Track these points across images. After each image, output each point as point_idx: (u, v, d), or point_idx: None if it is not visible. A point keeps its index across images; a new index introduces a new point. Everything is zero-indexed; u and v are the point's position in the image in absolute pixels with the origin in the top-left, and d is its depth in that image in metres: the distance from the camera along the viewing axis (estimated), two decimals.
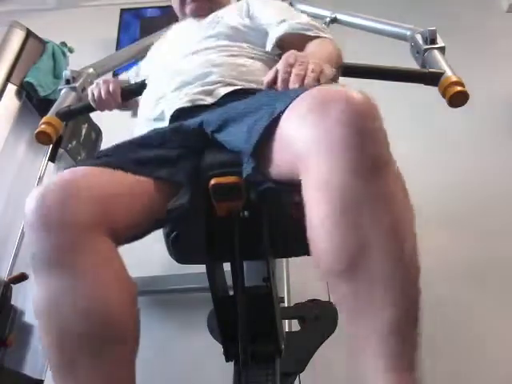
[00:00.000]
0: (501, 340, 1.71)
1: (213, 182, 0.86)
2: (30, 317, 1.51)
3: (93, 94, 1.22)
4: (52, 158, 1.75)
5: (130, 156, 0.88)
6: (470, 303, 1.75)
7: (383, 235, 0.60)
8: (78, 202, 0.72)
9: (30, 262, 0.72)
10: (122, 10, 2.87)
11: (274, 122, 0.73)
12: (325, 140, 0.62)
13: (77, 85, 1.38)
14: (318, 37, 1.10)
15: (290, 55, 0.79)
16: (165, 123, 1.00)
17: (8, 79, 1.58)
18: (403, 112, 2.25)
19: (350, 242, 0.60)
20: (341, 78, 1.19)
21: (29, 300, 1.52)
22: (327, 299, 1.37)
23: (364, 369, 0.60)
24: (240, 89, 1.00)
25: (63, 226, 0.70)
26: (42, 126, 1.22)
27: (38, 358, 1.52)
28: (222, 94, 0.99)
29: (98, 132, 2.01)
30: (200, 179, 0.90)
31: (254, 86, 1.01)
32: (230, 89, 1.00)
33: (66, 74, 1.40)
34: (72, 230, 0.70)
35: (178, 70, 1.08)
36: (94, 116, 1.95)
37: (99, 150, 0.98)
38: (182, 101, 1.00)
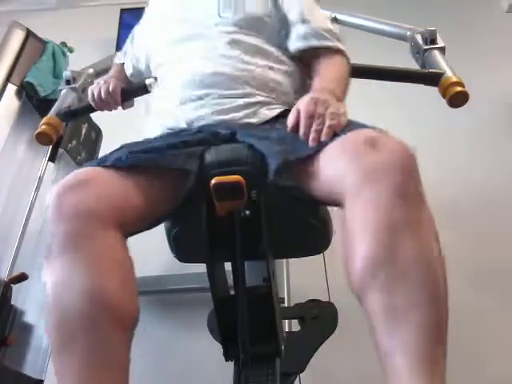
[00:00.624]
0: (501, 340, 1.71)
1: (214, 181, 0.85)
2: (30, 317, 1.51)
3: (93, 94, 1.22)
4: (52, 158, 1.75)
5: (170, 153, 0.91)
6: (469, 304, 1.75)
7: (420, 248, 0.70)
8: (91, 197, 0.80)
9: (45, 251, 0.79)
10: (122, 10, 2.87)
11: (320, 151, 0.84)
12: (375, 174, 0.73)
13: (77, 85, 1.38)
14: (335, 49, 1.12)
15: (310, 103, 0.90)
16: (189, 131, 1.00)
17: (8, 79, 1.57)
18: (402, 112, 2.26)
19: (392, 256, 0.69)
20: None
21: (29, 300, 1.52)
22: (327, 299, 1.38)
23: (397, 374, 0.65)
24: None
25: (77, 217, 0.78)
26: (42, 127, 1.21)
27: (38, 358, 1.52)
28: (268, 117, 1.01)
29: (98, 132, 2.01)
30: (201, 178, 0.90)
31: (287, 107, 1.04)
32: (273, 113, 1.03)
33: (67, 74, 1.40)
34: (84, 220, 0.78)
35: (205, 76, 1.03)
36: (94, 116, 1.95)
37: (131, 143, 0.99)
38: (222, 118, 1.00)
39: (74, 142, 1.81)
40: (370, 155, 0.75)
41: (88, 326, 0.72)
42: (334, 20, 1.51)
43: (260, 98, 1.02)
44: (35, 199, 1.61)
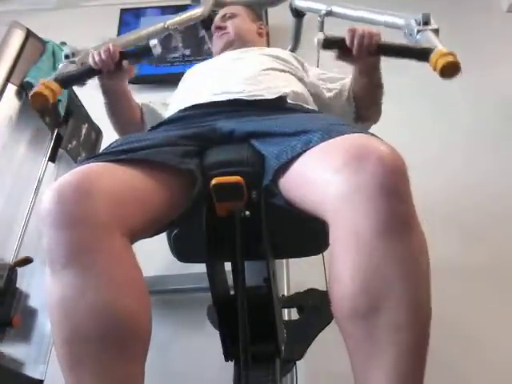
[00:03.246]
0: (498, 340, 1.71)
1: (214, 181, 0.85)
2: (34, 301, 1.52)
3: (93, 57, 1.20)
4: (52, 158, 1.75)
5: (160, 149, 0.90)
6: (466, 304, 1.74)
7: (404, 289, 0.65)
8: (95, 200, 0.73)
9: (45, 258, 0.72)
10: (122, 10, 2.87)
11: (306, 152, 0.81)
12: (358, 195, 0.67)
13: (76, 59, 1.33)
14: None
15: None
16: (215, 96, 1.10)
17: (8, 79, 1.57)
18: (401, 112, 2.26)
19: (371, 291, 0.65)
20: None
21: (33, 283, 1.53)
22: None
23: None
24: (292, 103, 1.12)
25: (79, 224, 0.71)
26: (40, 86, 1.09)
27: (38, 358, 1.52)
28: (281, 93, 1.11)
29: (98, 132, 2.01)
30: (201, 178, 0.90)
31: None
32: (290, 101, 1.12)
33: (66, 50, 1.35)
34: (87, 228, 0.71)
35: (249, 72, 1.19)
36: (94, 116, 1.95)
37: (125, 138, 0.97)
38: (243, 93, 1.10)
39: (74, 143, 1.81)
40: (353, 174, 0.69)
41: (103, 345, 0.68)
42: (330, 13, 1.49)
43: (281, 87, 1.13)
44: (35, 199, 1.61)
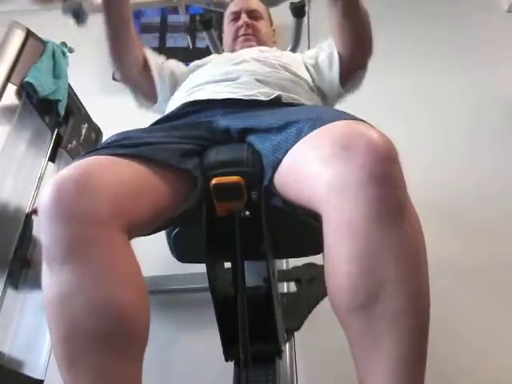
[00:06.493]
0: (496, 340, 1.71)
1: (214, 181, 0.86)
2: None
3: None
4: (52, 158, 1.75)
5: (160, 146, 0.89)
6: (461, 301, 1.74)
7: (401, 276, 0.64)
8: (94, 195, 0.71)
9: (43, 253, 0.71)
10: None
11: (297, 143, 0.81)
12: (347, 185, 0.66)
13: None
14: None
15: None
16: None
17: (8, 79, 1.57)
18: (403, 112, 2.26)
19: (368, 280, 0.64)
20: None
21: None
22: (326, 300, 1.39)
23: None
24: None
25: (78, 219, 0.69)
26: None
27: (39, 358, 1.52)
28: (276, 94, 1.08)
29: (98, 132, 2.01)
30: (201, 178, 0.90)
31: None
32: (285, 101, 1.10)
33: None
34: (86, 223, 0.70)
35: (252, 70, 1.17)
36: (94, 116, 1.95)
37: (122, 133, 0.95)
38: (238, 94, 1.07)
39: (74, 143, 1.81)
40: (341, 163, 0.67)
41: (102, 342, 0.67)
42: None
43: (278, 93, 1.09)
44: (35, 200, 1.61)
